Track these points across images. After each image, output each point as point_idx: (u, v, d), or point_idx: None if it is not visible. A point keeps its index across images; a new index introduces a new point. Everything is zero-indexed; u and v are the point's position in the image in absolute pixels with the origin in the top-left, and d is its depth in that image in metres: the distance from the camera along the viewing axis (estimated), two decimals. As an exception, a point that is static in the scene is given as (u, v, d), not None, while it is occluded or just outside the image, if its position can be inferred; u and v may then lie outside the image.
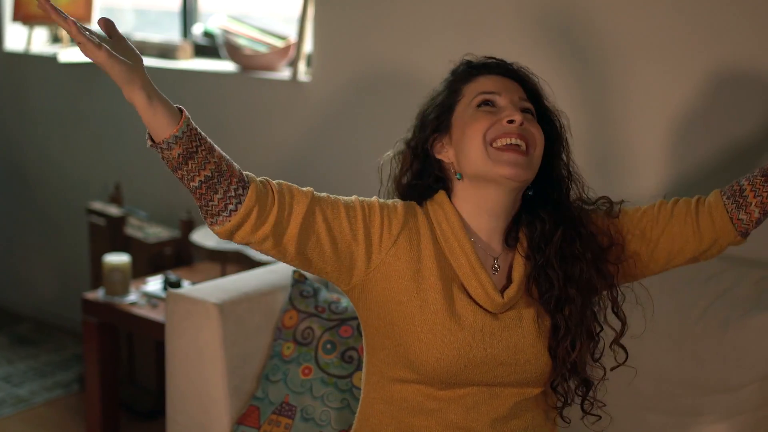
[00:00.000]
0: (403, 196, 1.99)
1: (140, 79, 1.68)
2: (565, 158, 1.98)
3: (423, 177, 1.97)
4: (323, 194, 1.85)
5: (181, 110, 1.71)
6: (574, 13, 3.05)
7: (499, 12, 3.22)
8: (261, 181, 1.78)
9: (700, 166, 2.83)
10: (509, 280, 1.91)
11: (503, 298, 1.87)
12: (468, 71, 1.98)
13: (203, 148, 1.71)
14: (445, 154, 1.94)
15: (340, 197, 1.87)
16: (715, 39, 2.78)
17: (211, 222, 1.74)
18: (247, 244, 1.79)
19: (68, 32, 1.61)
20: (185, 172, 1.70)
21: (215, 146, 1.73)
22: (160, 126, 1.69)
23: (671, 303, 2.58)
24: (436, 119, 1.96)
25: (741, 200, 1.91)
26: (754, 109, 2.73)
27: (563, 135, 1.99)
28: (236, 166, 1.75)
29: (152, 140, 1.71)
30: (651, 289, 2.55)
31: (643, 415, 2.57)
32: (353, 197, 1.89)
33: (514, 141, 1.85)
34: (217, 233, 1.76)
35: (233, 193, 1.72)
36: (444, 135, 1.95)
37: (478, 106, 1.91)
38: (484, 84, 1.94)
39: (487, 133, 1.86)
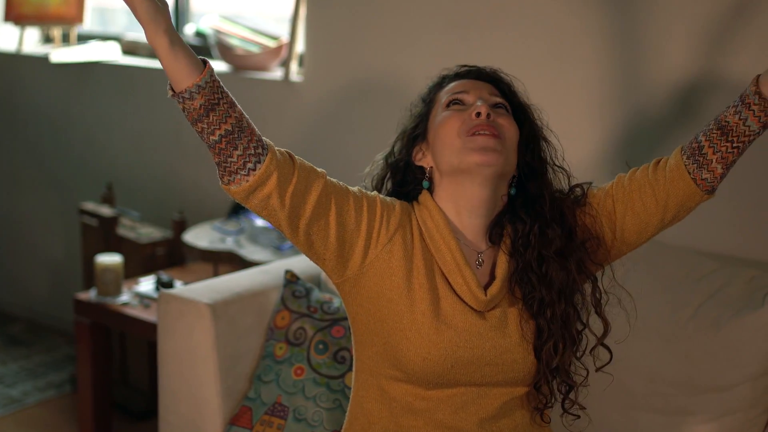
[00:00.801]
0: None
1: (165, 21, 1.65)
2: (545, 153, 1.98)
3: (404, 186, 2.00)
4: (333, 179, 1.85)
5: (205, 62, 1.70)
6: (562, 13, 3.06)
7: (489, 13, 3.22)
8: (280, 150, 1.76)
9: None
10: (493, 277, 1.92)
11: (486, 295, 1.87)
12: (442, 79, 2.02)
13: (225, 101, 1.69)
14: (425, 160, 1.97)
15: (349, 186, 1.87)
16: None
17: (229, 180, 1.72)
18: (261, 210, 1.76)
19: None
20: (206, 125, 1.69)
21: (236, 102, 1.72)
22: (182, 74, 1.67)
23: (663, 302, 2.58)
24: (414, 129, 1.99)
25: (701, 159, 1.82)
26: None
27: (540, 130, 1.99)
28: (255, 127, 1.74)
29: (173, 91, 1.69)
30: (642, 288, 2.56)
31: (635, 414, 2.57)
32: (356, 188, 1.89)
33: (483, 132, 1.86)
34: (233, 193, 1.74)
35: (253, 151, 1.71)
36: (422, 142, 1.98)
37: (448, 106, 1.94)
38: (454, 86, 1.97)
39: (458, 131, 1.88)
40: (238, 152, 1.70)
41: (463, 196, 1.91)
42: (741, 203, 2.77)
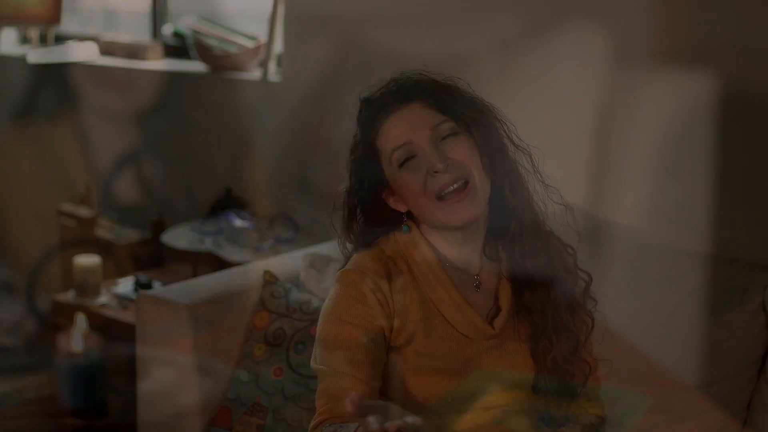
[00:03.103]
0: (361, 241, 1.91)
1: None
2: (505, 137, 1.87)
3: (382, 222, 1.89)
4: (361, 356, 1.78)
5: None
6: (552, 7, 3.06)
7: (470, 7, 3.22)
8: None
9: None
10: (497, 306, 1.87)
11: (494, 328, 1.83)
12: (371, 118, 1.89)
13: None
14: (399, 205, 1.87)
15: (355, 347, 1.79)
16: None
17: None
18: None
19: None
20: None
21: None
22: None
23: (641, 301, 2.59)
24: (373, 176, 1.87)
25: None
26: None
27: (501, 132, 1.87)
28: None
29: None
30: (621, 287, 2.56)
31: (614, 412, 2.58)
32: (365, 338, 1.79)
33: (453, 187, 1.78)
34: None
35: None
36: (389, 188, 1.87)
37: (400, 166, 1.82)
38: (391, 135, 1.84)
39: (426, 193, 1.80)
40: None
41: (450, 235, 1.85)
42: (719, 202, 2.78)
